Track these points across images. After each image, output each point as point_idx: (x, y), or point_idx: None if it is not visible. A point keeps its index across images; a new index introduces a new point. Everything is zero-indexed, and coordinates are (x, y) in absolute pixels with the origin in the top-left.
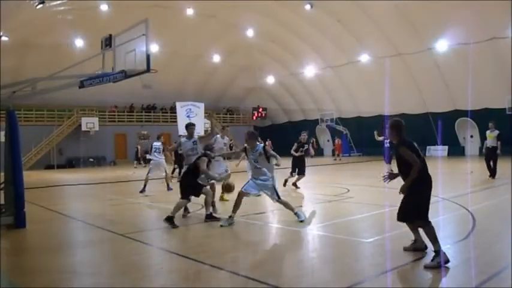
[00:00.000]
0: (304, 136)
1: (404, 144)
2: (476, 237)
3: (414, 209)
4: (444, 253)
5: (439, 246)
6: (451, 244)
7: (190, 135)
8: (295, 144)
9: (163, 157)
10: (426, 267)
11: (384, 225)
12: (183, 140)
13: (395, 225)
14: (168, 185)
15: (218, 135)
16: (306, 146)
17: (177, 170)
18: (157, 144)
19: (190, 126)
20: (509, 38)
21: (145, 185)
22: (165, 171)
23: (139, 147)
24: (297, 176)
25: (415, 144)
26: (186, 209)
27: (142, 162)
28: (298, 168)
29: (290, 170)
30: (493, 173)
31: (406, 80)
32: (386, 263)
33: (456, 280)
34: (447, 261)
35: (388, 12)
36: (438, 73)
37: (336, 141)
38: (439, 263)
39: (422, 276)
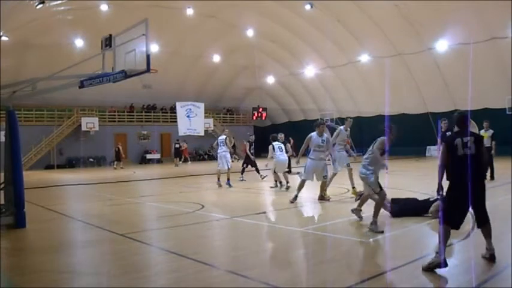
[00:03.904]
0: (445, 123)
1: (442, 139)
2: (476, 237)
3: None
4: (444, 258)
5: (439, 249)
6: (451, 244)
7: (320, 132)
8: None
9: (228, 150)
10: (422, 267)
11: (384, 225)
12: (314, 136)
13: (395, 225)
14: (228, 179)
15: (342, 127)
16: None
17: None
18: (222, 137)
19: (321, 125)
20: (509, 38)
21: (218, 178)
22: (228, 166)
23: (120, 147)
24: None
25: (458, 140)
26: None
27: (121, 162)
28: None
29: None
30: (491, 174)
31: (406, 80)
32: (386, 263)
33: (456, 280)
34: (439, 265)
35: (388, 12)
36: (438, 73)
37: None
38: (430, 265)
39: (422, 276)
